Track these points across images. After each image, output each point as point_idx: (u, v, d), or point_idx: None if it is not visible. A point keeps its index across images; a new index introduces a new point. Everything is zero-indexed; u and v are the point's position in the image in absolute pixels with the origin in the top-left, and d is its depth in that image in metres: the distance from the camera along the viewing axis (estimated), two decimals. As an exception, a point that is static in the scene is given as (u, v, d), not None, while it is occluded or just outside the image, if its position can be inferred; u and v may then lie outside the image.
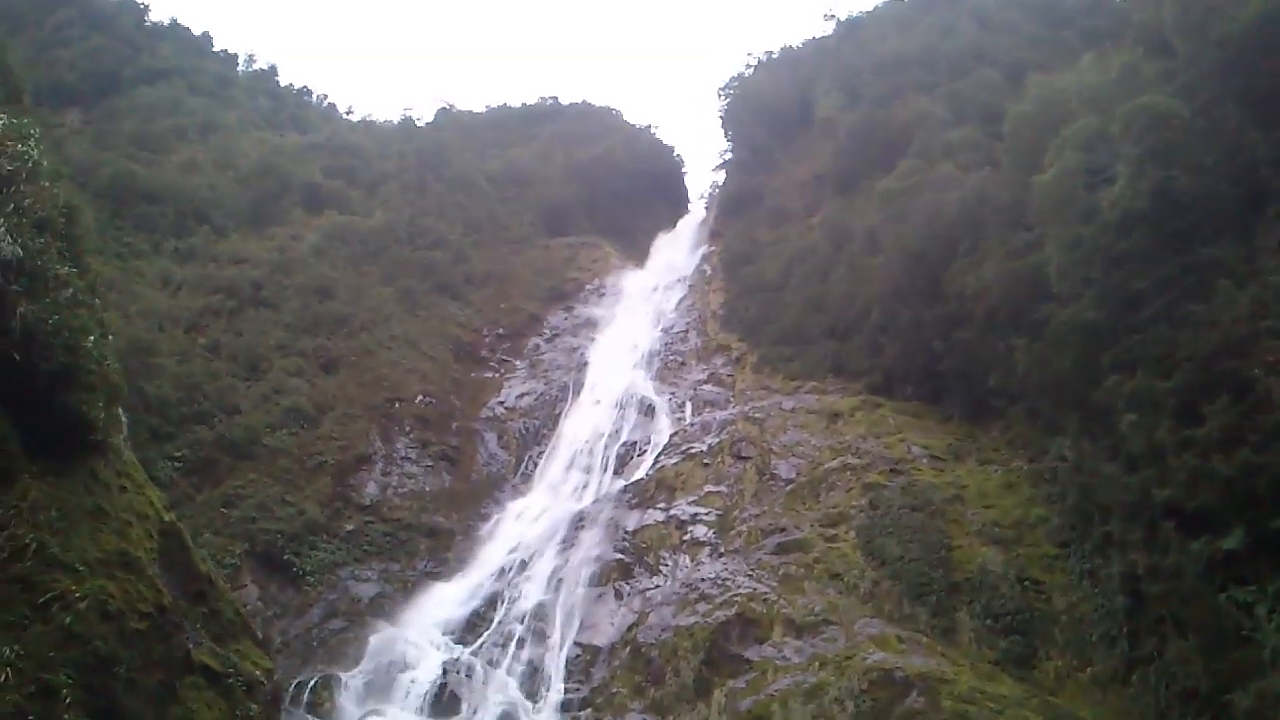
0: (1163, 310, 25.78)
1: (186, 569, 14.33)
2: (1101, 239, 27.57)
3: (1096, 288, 27.69)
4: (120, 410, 15.10)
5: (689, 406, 43.63)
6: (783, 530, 32.51)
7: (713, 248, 63.81)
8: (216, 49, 76.67)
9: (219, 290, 44.45)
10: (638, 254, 68.85)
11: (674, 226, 78.14)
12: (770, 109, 69.22)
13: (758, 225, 59.50)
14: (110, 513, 13.28)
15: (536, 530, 36.22)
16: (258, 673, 13.79)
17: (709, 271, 59.80)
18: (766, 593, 29.95)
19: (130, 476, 14.23)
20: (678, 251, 70.76)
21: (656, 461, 38.45)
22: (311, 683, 29.71)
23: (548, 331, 52.36)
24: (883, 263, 41.95)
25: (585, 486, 38.91)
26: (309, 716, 28.68)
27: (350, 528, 36.06)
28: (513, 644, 31.24)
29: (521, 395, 45.24)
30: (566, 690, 29.50)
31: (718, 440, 37.92)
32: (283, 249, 50.00)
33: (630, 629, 30.54)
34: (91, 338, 13.18)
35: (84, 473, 13.08)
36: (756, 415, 39.16)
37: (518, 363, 48.78)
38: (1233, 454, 22.36)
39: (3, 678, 9.83)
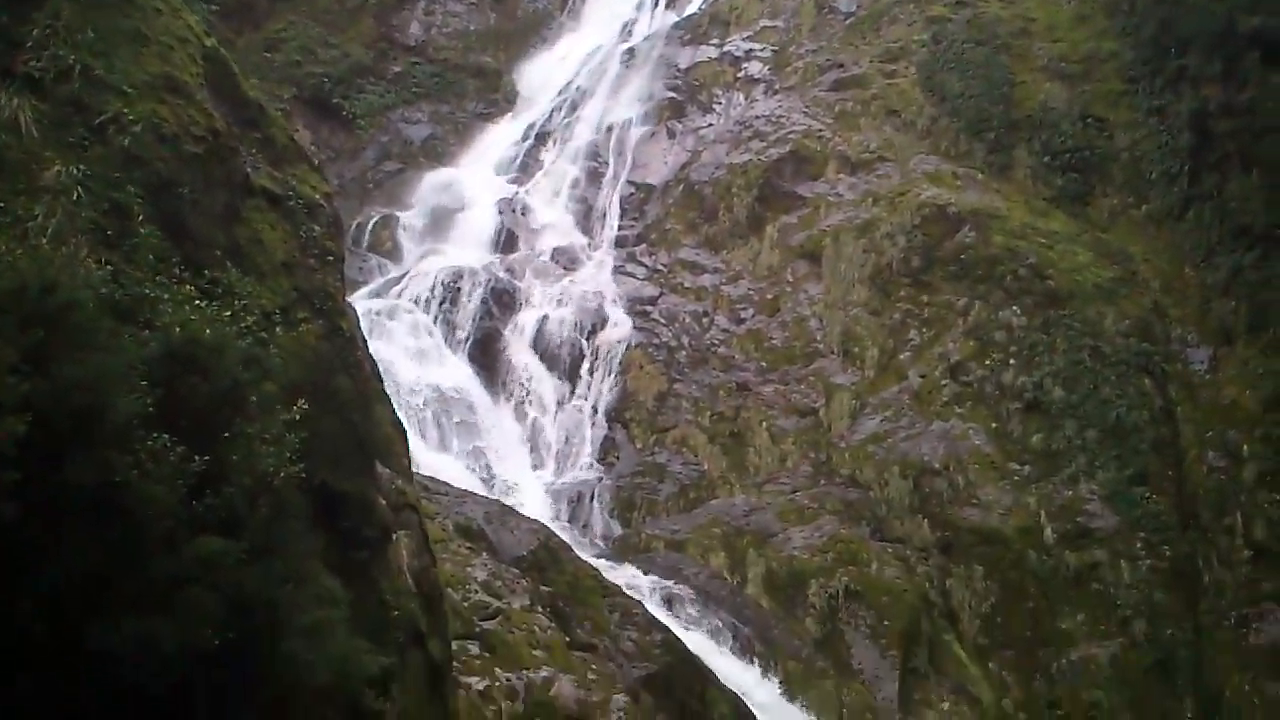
0: None
1: (235, 95, 13.97)
2: None
3: None
4: (144, -73, 14.12)
5: (746, -64, 40.80)
6: (840, 66, 31.46)
7: None
8: None
9: None
10: None
11: None
12: None
13: None
14: (149, 35, 12.67)
15: (586, 69, 35.28)
16: (317, 196, 13.83)
17: None
18: (821, 130, 29.58)
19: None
20: None
21: (711, -6, 36.61)
22: (371, 223, 30.48)
23: None
24: None
25: (635, 22, 37.33)
26: (371, 254, 29.70)
27: (397, 69, 35.41)
28: (566, 183, 31.46)
29: (567, -74, 42.43)
30: (621, 226, 30.06)
31: (776, -29, 35.83)
32: None
33: (683, 167, 30.55)
34: None
35: (114, -9, 12.40)
36: (817, -56, 36.68)
37: (562, -109, 45.28)
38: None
39: (76, 196, 9.84)
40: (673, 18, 36.29)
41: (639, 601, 18.70)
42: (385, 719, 8.26)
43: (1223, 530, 21.62)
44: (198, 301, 9.05)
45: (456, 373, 25.91)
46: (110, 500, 5.64)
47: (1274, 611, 20.41)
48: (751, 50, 33.30)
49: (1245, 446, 21.83)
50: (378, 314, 25.96)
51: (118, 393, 5.98)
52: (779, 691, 19.48)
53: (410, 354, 25.54)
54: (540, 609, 16.20)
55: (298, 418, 8.35)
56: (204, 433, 6.82)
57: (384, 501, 9.49)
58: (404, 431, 11.13)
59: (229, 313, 9.29)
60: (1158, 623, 21.37)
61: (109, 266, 9.41)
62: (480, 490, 22.48)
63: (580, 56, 36.07)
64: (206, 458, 6.28)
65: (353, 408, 9.61)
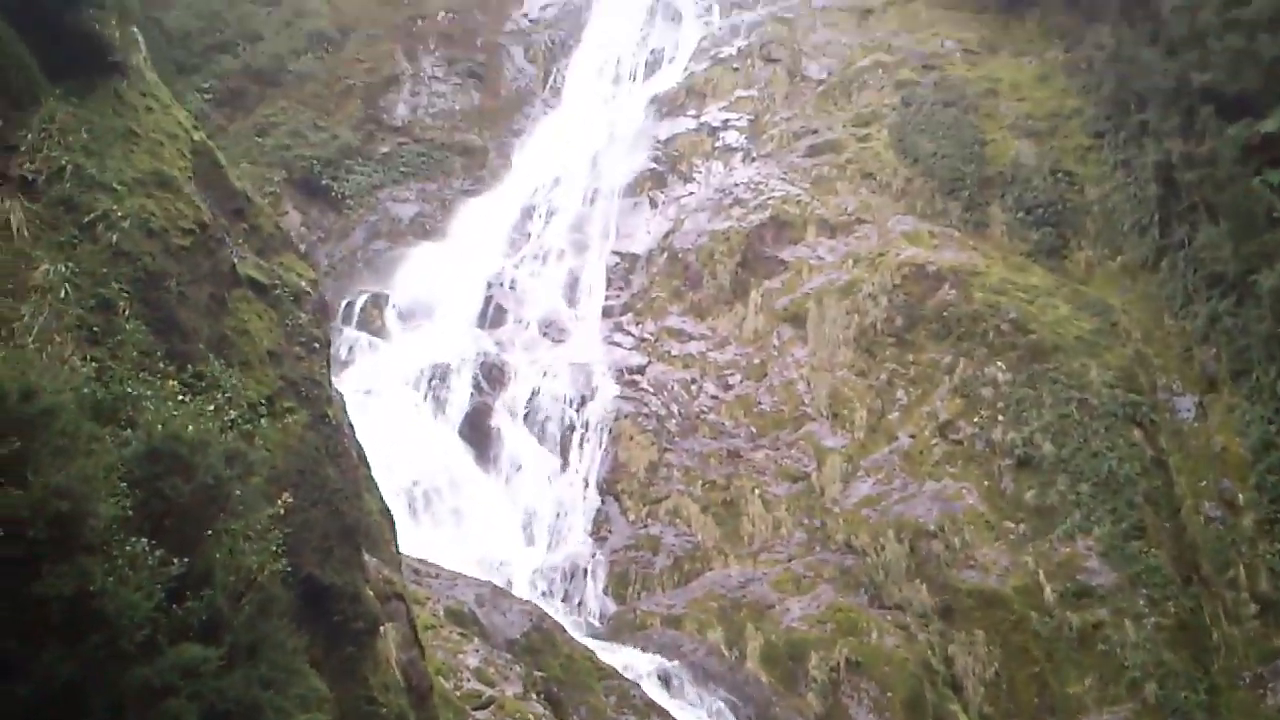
0: None
1: (222, 187, 14.23)
2: None
3: None
4: (135, 30, 14.46)
5: (716, 8, 41.55)
6: (815, 132, 32.12)
7: None
8: None
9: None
10: None
11: None
12: None
13: None
14: (140, 133, 12.95)
15: (568, 144, 35.78)
16: (303, 283, 14.00)
17: None
18: (799, 194, 30.04)
19: (156, 97, 13.76)
20: None
21: (685, 68, 37.31)
22: (360, 301, 30.64)
23: (566, -65, 48.99)
24: None
25: (614, 97, 37.98)
26: (360, 332, 29.80)
27: (385, 150, 35.88)
28: (552, 255, 31.74)
29: (545, 6, 43.17)
30: (607, 297, 30.27)
31: (746, 43, 36.69)
32: None
33: (666, 236, 30.88)
34: (89, -52, 12.38)
35: (108, 94, 12.65)
36: (785, 15, 37.70)
37: (538, -29, 46.11)
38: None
39: (63, 294, 10.02)
40: (650, 92, 36.96)
41: (636, 684, 18.47)
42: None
43: (1226, 584, 21.05)
44: (181, 397, 9.15)
45: (447, 450, 25.88)
46: (88, 609, 5.64)
47: (1288, 669, 19.86)
48: (728, 120, 33.94)
49: (1241, 495, 21.66)
50: (366, 394, 25.98)
51: (97, 498, 6.05)
52: (782, 765, 19.22)
53: (399, 434, 25.51)
54: (534, 696, 15.99)
55: (283, 511, 8.40)
56: (186, 532, 6.87)
57: (371, 593, 9.50)
58: (392, 519, 11.15)
59: (213, 406, 9.39)
60: (1169, 684, 20.53)
61: (94, 363, 9.54)
62: (472, 570, 22.31)
63: (562, 132, 36.63)
64: (187, 560, 6.31)
65: (340, 497, 9.64)
